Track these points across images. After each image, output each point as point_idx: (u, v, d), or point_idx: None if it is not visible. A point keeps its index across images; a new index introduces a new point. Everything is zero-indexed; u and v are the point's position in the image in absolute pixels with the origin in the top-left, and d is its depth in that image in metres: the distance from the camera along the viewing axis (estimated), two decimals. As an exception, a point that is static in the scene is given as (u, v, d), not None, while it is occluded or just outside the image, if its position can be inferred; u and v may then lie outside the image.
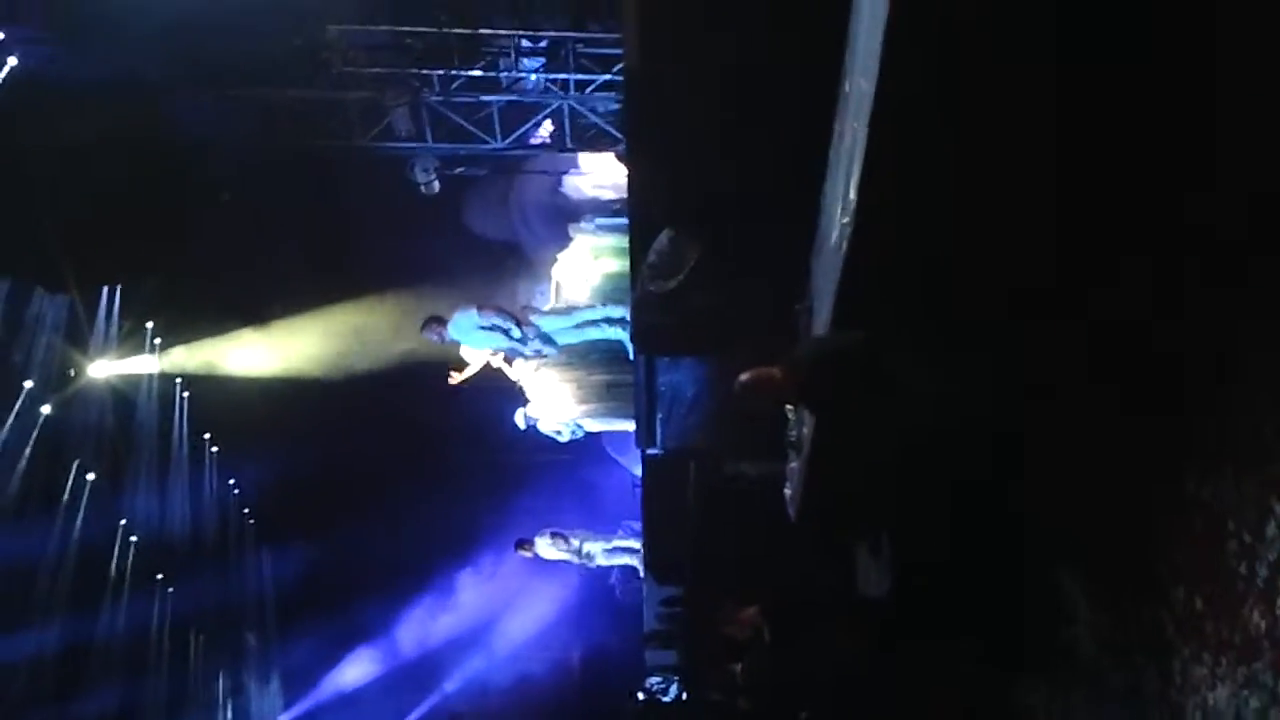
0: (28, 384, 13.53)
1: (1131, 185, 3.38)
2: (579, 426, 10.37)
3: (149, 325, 15.00)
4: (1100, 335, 3.68)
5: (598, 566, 12.48)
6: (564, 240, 11.01)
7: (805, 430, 5.13)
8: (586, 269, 10.45)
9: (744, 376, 4.51)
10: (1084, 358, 3.78)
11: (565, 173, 12.66)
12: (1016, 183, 3.54)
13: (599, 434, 11.10)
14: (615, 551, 12.29)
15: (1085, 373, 3.79)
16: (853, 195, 3.90)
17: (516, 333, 9.47)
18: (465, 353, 9.93)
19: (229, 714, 20.71)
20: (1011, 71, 3.23)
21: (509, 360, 9.88)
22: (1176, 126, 3.19)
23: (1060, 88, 3.24)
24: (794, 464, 5.56)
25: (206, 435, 17.81)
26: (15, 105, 10.69)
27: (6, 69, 10.81)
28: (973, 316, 3.97)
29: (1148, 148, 3.27)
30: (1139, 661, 3.64)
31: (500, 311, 9.53)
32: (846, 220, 4.06)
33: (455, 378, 10.11)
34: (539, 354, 9.72)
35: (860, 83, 3.74)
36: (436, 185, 12.45)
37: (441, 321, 9.70)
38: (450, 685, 20.22)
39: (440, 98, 11.84)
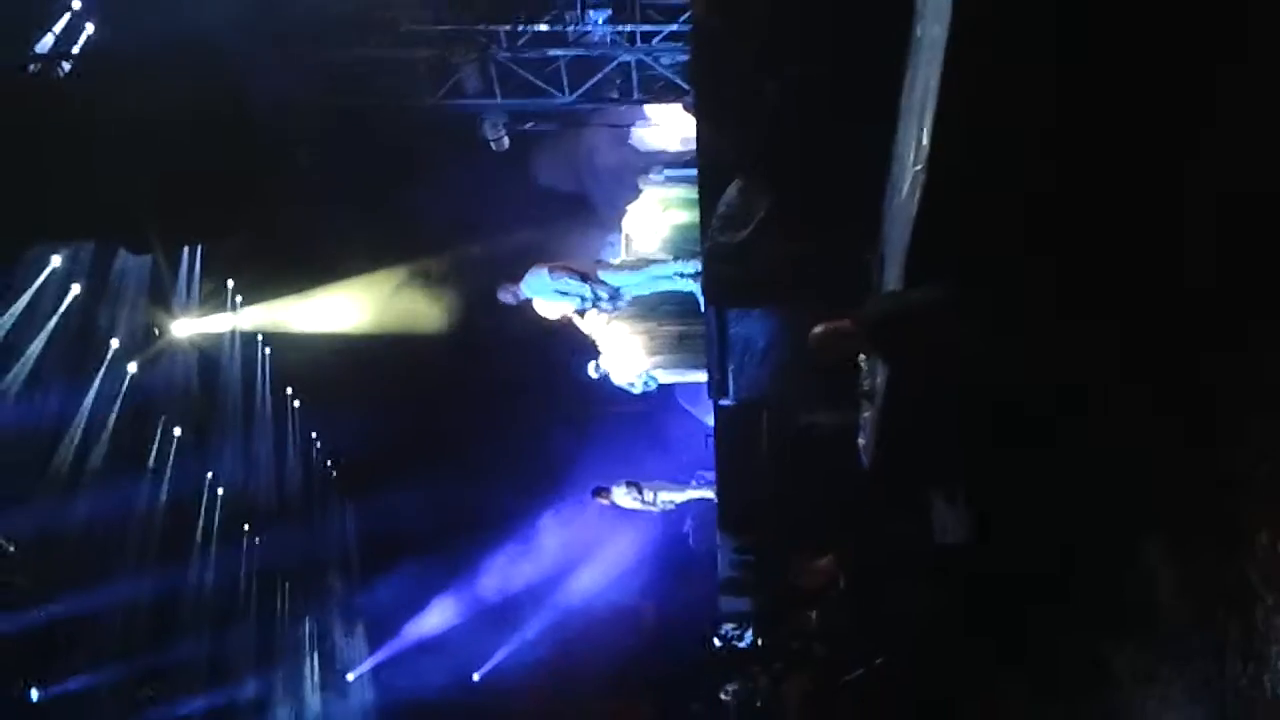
0: (114, 343, 13.90)
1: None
2: (651, 378, 10.43)
3: (230, 284, 15.31)
4: (1175, 287, 3.61)
5: (673, 509, 12.65)
6: (633, 192, 11.00)
7: (878, 380, 5.11)
8: (656, 221, 10.44)
9: (816, 329, 4.51)
10: (1159, 308, 3.70)
11: (633, 125, 12.59)
12: (1094, 132, 3.47)
13: (671, 385, 11.15)
14: (690, 501, 12.44)
15: (1159, 323, 3.71)
16: (925, 142, 3.85)
17: (587, 290, 9.56)
18: (539, 308, 10.03)
19: (316, 660, 21.32)
20: (1087, 12, 3.16)
21: (582, 314, 9.97)
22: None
23: (1137, 35, 3.15)
24: (867, 414, 5.54)
25: (289, 390, 18.20)
26: (93, 72, 10.93)
27: (84, 36, 11.04)
28: (1045, 270, 3.91)
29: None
30: (1220, 614, 3.59)
31: (570, 270, 9.63)
32: (919, 168, 4.01)
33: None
34: (611, 307, 9.78)
35: (933, 28, 3.69)
36: (506, 142, 12.50)
37: (514, 282, 9.85)
38: (530, 631, 20.61)
39: (508, 54, 11.83)
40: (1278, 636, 3.29)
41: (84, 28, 10.92)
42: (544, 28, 11.74)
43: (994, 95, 3.47)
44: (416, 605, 21.06)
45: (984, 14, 3.23)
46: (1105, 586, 4.42)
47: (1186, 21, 3.11)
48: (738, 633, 10.94)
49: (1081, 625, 4.68)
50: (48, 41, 11.00)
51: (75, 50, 11.22)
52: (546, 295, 9.77)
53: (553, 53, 11.92)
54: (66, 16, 10.82)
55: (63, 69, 11.13)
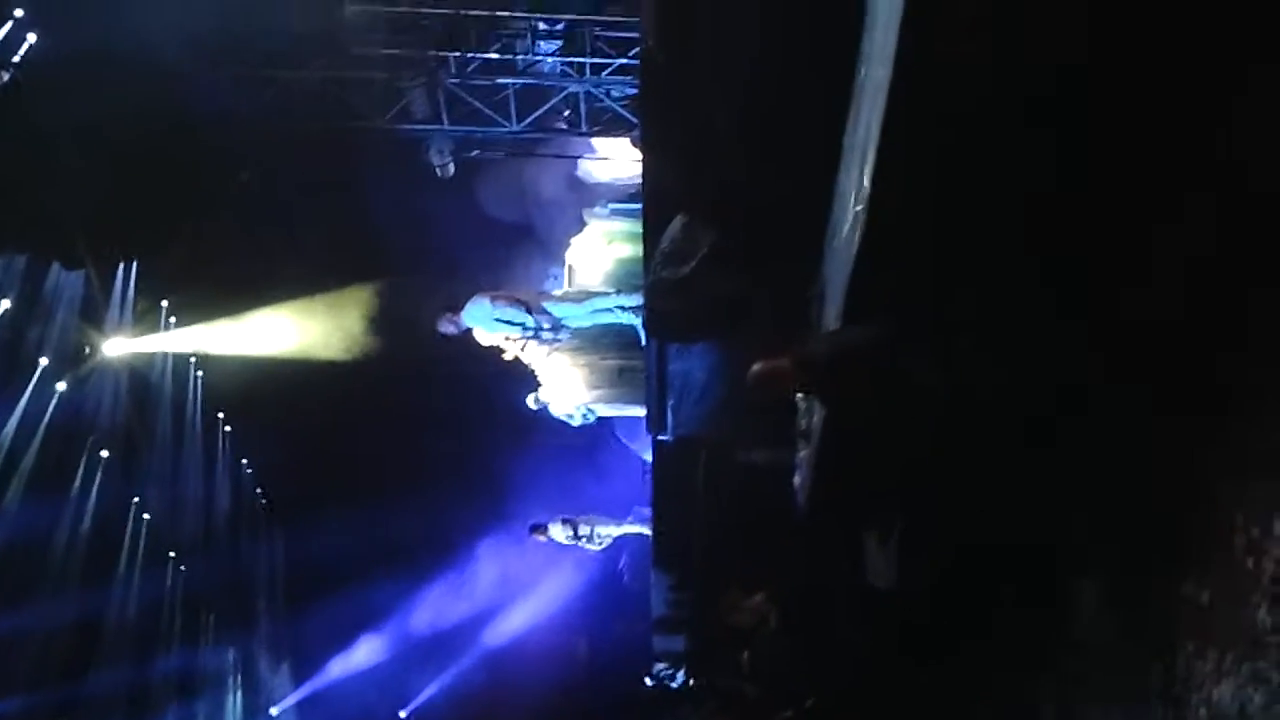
0: (43, 361, 13.59)
1: (1159, 180, 3.34)
2: (591, 411, 10.41)
3: (164, 303, 15.05)
4: (1117, 334, 3.65)
5: (610, 545, 12.59)
6: (578, 225, 11.02)
7: (815, 420, 5.13)
8: (600, 254, 10.47)
9: (755, 368, 4.51)
10: (1099, 356, 3.75)
11: (580, 157, 12.63)
12: (1034, 179, 3.51)
13: (611, 419, 11.12)
14: (626, 536, 12.39)
15: (1099, 371, 3.76)
16: (866, 183, 3.88)
17: (529, 320, 9.55)
18: (481, 337, 9.99)
19: (239, 693, 20.84)
20: (1033, 62, 3.21)
21: (523, 345, 9.93)
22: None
23: (1087, 75, 3.20)
24: (803, 453, 5.55)
25: (220, 414, 17.88)
26: (34, 82, 10.73)
27: (26, 45, 10.85)
28: (986, 310, 3.95)
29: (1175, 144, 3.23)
30: (1145, 657, 3.62)
31: (512, 300, 9.62)
32: (859, 208, 4.04)
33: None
34: (552, 339, 9.76)
35: (877, 70, 3.73)
36: (452, 168, 12.47)
37: (455, 311, 9.80)
38: (460, 667, 20.32)
39: (457, 80, 11.83)
40: (1198, 684, 3.32)
41: (25, 38, 10.72)
42: (494, 56, 11.76)
43: (935, 139, 3.50)
44: (344, 638, 20.68)
45: (926, 59, 3.27)
46: (1034, 629, 4.45)
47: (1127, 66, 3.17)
48: (670, 672, 10.83)
49: (1011, 667, 4.71)
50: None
51: (16, 59, 11.04)
52: (488, 325, 9.74)
53: (502, 81, 11.95)
54: (9, 25, 10.62)
55: (2, 78, 10.94)
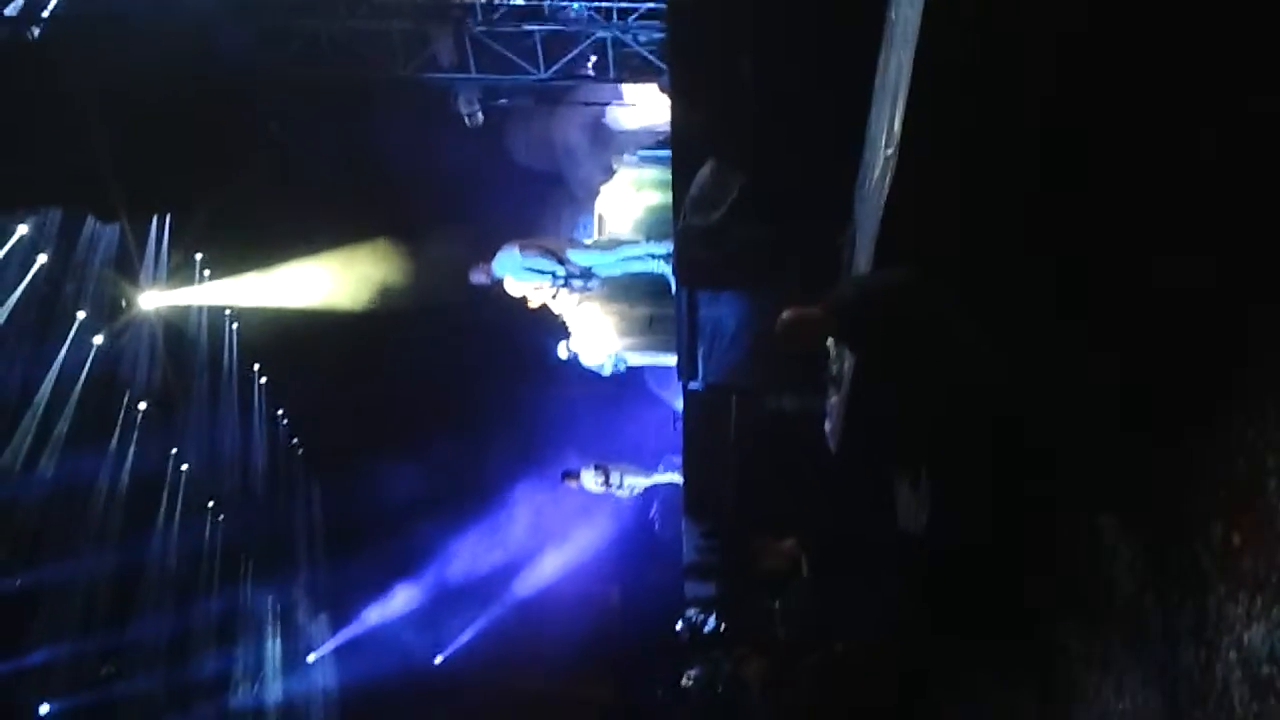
0: (80, 315, 13.76)
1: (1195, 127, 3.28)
2: (621, 360, 10.43)
3: (198, 256, 15.16)
4: (1146, 282, 3.61)
5: (640, 494, 12.66)
6: (607, 172, 10.96)
7: (845, 366, 5.12)
8: (629, 202, 10.42)
9: (784, 315, 4.48)
10: (1125, 305, 3.71)
11: (609, 104, 12.51)
12: (1067, 119, 3.46)
13: (641, 368, 11.14)
14: (656, 486, 12.45)
15: (1128, 320, 3.72)
16: (897, 127, 3.84)
17: (559, 269, 9.54)
18: (511, 287, 9.99)
19: (278, 640, 21.23)
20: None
21: (554, 294, 9.94)
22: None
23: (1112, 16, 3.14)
24: (834, 399, 5.55)
25: (255, 366, 18.07)
26: (60, 38, 10.77)
27: (53, 2, 10.88)
28: (1015, 260, 3.91)
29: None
30: (1175, 600, 3.62)
31: (542, 249, 9.61)
32: (890, 152, 4.00)
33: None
34: (582, 287, 9.76)
35: (906, 10, 3.67)
36: (480, 116, 12.38)
37: (485, 262, 9.81)
38: (493, 615, 20.59)
39: (483, 27, 11.71)
40: (1229, 627, 3.32)
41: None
42: (520, 1, 11.64)
43: (967, 80, 3.45)
44: (380, 587, 21.01)
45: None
46: (1063, 570, 4.45)
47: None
48: (702, 617, 10.96)
49: (1041, 608, 4.72)
50: (17, 3, 10.84)
51: (45, 14, 11.06)
52: (518, 274, 9.73)
53: (528, 27, 11.83)
54: None
55: (32, 33, 10.97)
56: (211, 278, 15.21)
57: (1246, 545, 3.23)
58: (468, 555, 19.56)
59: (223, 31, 10.85)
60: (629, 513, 15.23)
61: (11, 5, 10.75)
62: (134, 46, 10.09)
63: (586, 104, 12.63)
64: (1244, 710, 3.23)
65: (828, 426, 5.77)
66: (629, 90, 12.26)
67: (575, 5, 11.73)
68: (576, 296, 9.86)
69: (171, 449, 16.67)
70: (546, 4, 11.66)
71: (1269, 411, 3.12)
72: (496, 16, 11.66)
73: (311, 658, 22.11)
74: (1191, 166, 3.30)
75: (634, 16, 11.66)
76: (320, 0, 11.41)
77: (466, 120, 12.29)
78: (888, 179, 4.04)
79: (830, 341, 5.25)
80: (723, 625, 10.58)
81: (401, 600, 21.00)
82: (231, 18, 11.05)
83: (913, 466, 5.36)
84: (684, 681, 11.24)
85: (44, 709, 14.33)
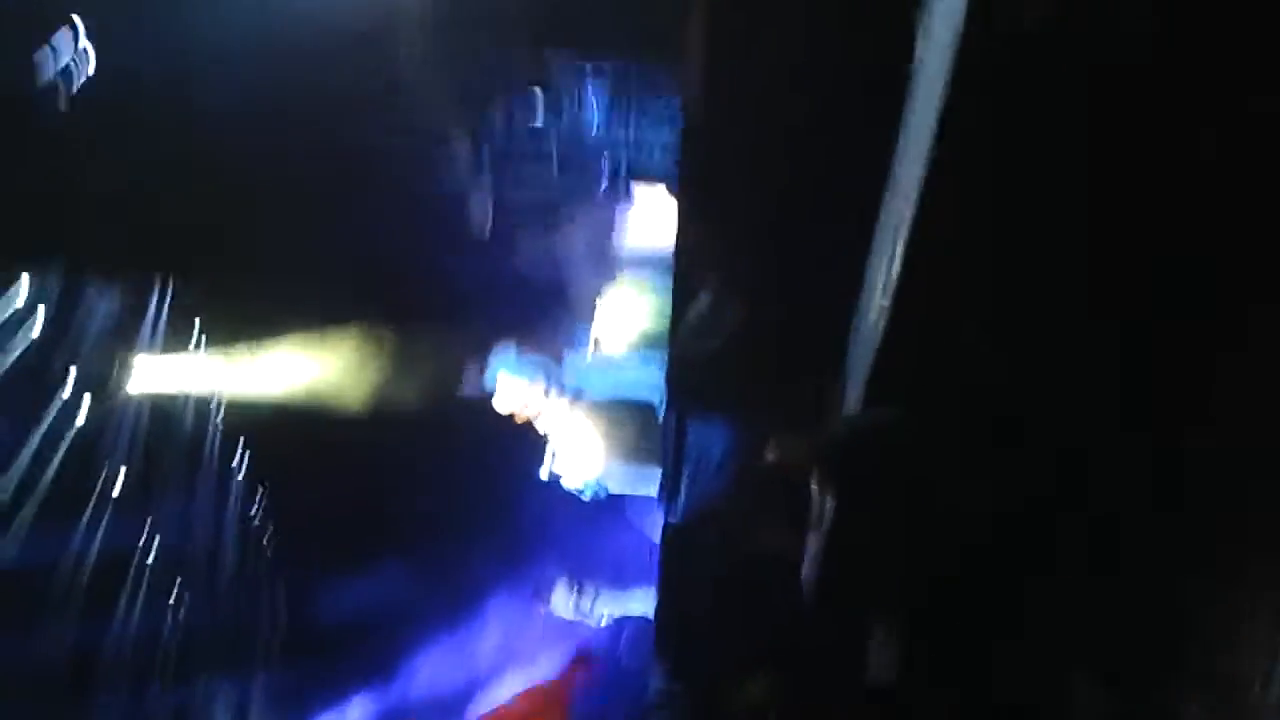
0: (71, 376, 13.72)
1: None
2: (602, 487, 10.33)
3: (197, 321, 15.18)
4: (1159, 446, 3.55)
5: (610, 623, 12.42)
6: (608, 285, 11.02)
7: (826, 506, 5.04)
8: (627, 322, 10.46)
9: (770, 454, 4.46)
10: (1130, 470, 3.65)
11: (618, 210, 12.58)
12: (1074, 279, 3.46)
13: (622, 497, 11.02)
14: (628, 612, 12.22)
15: (1129, 487, 3.65)
16: (894, 275, 3.86)
17: (553, 378, 9.54)
18: (502, 394, 9.96)
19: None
20: (1064, 160, 3.18)
21: (546, 395, 9.90)
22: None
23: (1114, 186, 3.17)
24: (812, 543, 5.45)
25: (240, 442, 17.89)
26: (89, 104, 10.98)
27: (89, 68, 11.12)
28: (1010, 416, 3.86)
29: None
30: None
31: (538, 355, 9.61)
32: (885, 302, 4.01)
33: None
34: (573, 401, 9.74)
35: (912, 168, 3.72)
36: (489, 228, 12.57)
37: (481, 364, 9.81)
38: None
39: (503, 141, 11.96)
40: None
41: (87, 60, 11.01)
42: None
43: (966, 237, 3.47)
44: (338, 695, 20.46)
45: (960, 155, 3.25)
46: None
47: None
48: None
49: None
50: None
51: (75, 88, 11.28)
52: (512, 369, 9.72)
53: (545, 147, 12.05)
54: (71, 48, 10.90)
55: (62, 101, 11.18)
56: (209, 345, 15.21)
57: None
58: (431, 671, 19.09)
59: (237, 119, 11.03)
60: (597, 639, 14.96)
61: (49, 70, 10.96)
62: (149, 122, 10.27)
63: (596, 211, 12.76)
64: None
65: (805, 570, 5.65)
66: (639, 192, 12.37)
67: (595, 121, 11.94)
68: (565, 410, 9.81)
69: (142, 533, 16.45)
70: (564, 122, 11.89)
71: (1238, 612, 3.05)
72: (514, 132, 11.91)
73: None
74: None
75: (646, 122, 11.82)
76: (339, 110, 11.63)
77: (476, 231, 12.45)
78: (880, 327, 4.04)
79: (814, 484, 5.19)
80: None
81: (358, 713, 20.41)
82: (254, 112, 11.27)
83: (883, 618, 5.24)
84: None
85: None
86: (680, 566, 8.91)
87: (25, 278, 12.21)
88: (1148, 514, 3.58)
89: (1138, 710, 3.55)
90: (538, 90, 11.81)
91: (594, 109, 11.98)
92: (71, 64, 11.00)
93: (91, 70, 11.08)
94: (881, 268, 4.20)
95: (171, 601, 17.68)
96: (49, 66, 10.80)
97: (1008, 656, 4.15)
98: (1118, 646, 3.74)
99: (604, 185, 12.35)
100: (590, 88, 11.85)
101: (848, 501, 4.62)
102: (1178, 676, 3.36)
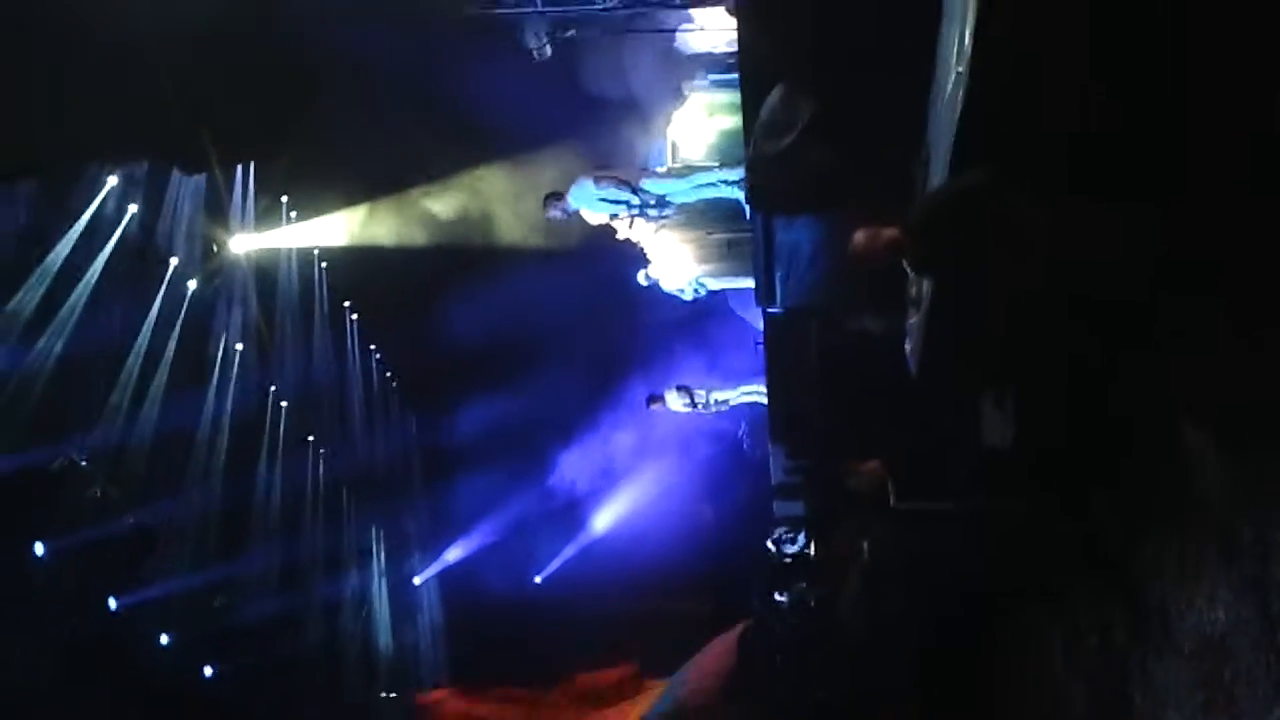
0: (173, 261, 14.14)
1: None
2: (701, 284, 10.42)
3: (284, 199, 15.44)
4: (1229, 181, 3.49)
5: (726, 410, 12.75)
6: (679, 98, 10.84)
7: (924, 286, 5.05)
8: (702, 127, 10.32)
9: (858, 237, 4.43)
10: (1220, 228, 3.59)
11: (678, 28, 12.31)
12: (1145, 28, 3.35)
13: (722, 291, 11.12)
14: (743, 396, 12.51)
15: (1224, 244, 3.60)
16: (968, 42, 3.76)
17: (634, 199, 9.51)
18: (587, 219, 10.00)
19: (382, 566, 21.93)
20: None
21: (630, 222, 9.93)
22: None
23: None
24: (913, 319, 5.49)
25: (346, 304, 18.41)
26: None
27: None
28: (1094, 176, 3.80)
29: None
30: (1269, 512, 3.57)
31: (615, 180, 9.57)
32: (962, 69, 3.92)
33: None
34: (658, 215, 9.73)
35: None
36: (549, 50, 12.32)
37: (560, 196, 9.80)
38: (590, 535, 20.96)
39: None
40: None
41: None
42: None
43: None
44: (478, 512, 21.47)
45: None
46: (1156, 477, 4.37)
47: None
48: (790, 535, 11.05)
49: (1134, 514, 4.65)
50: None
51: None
52: (592, 205, 9.72)
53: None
54: None
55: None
56: (298, 219, 15.50)
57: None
58: (562, 479, 19.89)
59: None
60: (718, 433, 15.39)
61: None
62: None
63: (656, 30, 12.47)
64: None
65: (908, 347, 5.72)
66: (697, 12, 12.08)
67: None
68: (653, 225, 9.82)
69: (270, 388, 17.14)
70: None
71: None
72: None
73: (417, 580, 22.81)
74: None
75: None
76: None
77: (535, 54, 12.24)
78: (959, 96, 3.96)
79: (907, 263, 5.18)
80: (812, 544, 10.66)
81: (499, 524, 21.46)
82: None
83: (995, 384, 5.31)
84: (777, 597, 11.36)
85: (164, 639, 15.06)
86: (786, 354, 9.06)
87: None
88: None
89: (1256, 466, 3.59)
90: None
91: None
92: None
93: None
94: (954, 37, 4.08)
95: (310, 447, 18.55)
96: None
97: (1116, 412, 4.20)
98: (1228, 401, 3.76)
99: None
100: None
101: (946, 273, 4.60)
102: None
